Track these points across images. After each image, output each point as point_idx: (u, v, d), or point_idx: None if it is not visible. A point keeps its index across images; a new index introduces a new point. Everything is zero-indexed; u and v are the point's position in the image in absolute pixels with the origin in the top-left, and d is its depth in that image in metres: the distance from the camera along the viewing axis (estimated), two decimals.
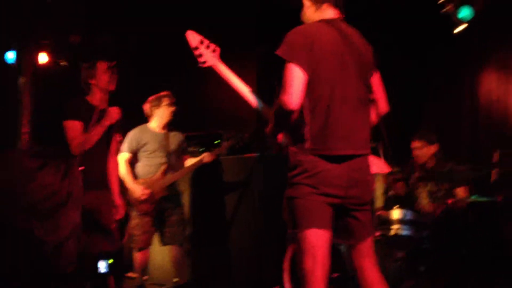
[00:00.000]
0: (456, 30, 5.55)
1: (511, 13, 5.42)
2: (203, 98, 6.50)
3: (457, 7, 5.49)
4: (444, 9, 5.55)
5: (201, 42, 2.93)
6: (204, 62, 2.93)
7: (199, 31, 2.99)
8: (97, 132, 3.93)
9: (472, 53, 5.95)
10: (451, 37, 5.75)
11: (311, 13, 2.80)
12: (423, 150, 5.06)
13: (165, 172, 4.95)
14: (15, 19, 4.45)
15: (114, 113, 4.01)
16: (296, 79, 2.51)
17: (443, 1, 5.53)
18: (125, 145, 4.99)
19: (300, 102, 2.52)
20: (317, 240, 2.53)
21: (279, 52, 2.58)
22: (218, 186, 5.53)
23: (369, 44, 2.82)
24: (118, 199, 4.27)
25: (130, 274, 5.52)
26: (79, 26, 5.86)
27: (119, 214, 4.26)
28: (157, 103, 5.01)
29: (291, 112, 2.51)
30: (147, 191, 4.84)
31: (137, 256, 4.95)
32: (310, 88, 2.55)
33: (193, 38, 2.96)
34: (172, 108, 5.00)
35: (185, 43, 2.99)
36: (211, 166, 5.23)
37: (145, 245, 4.93)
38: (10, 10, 4.34)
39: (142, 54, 6.35)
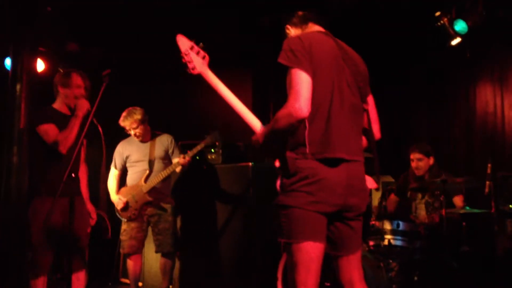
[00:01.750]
0: (453, 43, 5.60)
1: (505, 26, 5.47)
2: (202, 107, 6.50)
3: (452, 20, 5.55)
4: (439, 23, 5.60)
5: (191, 48, 2.82)
6: (193, 69, 2.83)
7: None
8: (74, 124, 3.87)
9: (467, 66, 5.99)
10: (446, 50, 5.81)
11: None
12: (423, 162, 5.10)
13: (146, 179, 5.03)
14: (13, 25, 4.46)
15: (84, 104, 3.93)
16: (304, 85, 2.43)
17: (438, 15, 5.59)
18: (113, 162, 5.22)
19: (310, 108, 2.43)
20: (313, 253, 2.47)
21: (281, 60, 2.51)
22: (211, 194, 5.53)
23: (362, 57, 2.81)
24: (88, 205, 4.23)
25: (125, 280, 5.55)
26: (76, 34, 5.89)
27: (91, 220, 4.23)
28: (120, 121, 5.07)
29: (302, 119, 2.43)
30: (123, 200, 5.00)
31: (128, 262, 5.05)
32: (312, 92, 2.47)
33: (183, 43, 2.84)
34: (130, 126, 5.02)
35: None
36: (205, 173, 5.23)
37: (132, 251, 5.00)
38: (8, 15, 4.34)
39: (139, 64, 6.37)
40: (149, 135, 5.15)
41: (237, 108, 2.76)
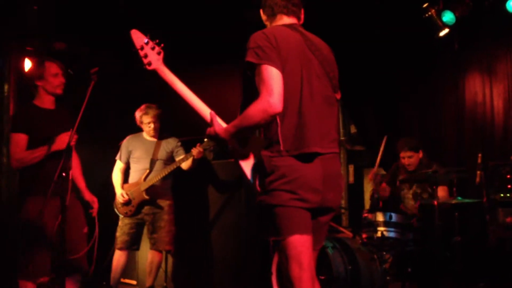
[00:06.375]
0: (441, 34, 5.61)
1: (492, 16, 5.49)
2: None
3: (440, 12, 5.56)
4: (427, 14, 5.61)
5: (146, 43, 2.75)
6: (148, 64, 2.74)
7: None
8: (40, 152, 3.72)
9: (456, 57, 6.00)
10: (434, 42, 5.81)
11: (268, 25, 2.80)
12: (414, 159, 5.13)
13: (145, 177, 5.05)
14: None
15: (61, 141, 3.71)
16: (276, 80, 2.41)
17: (426, 6, 5.60)
18: (119, 154, 5.24)
19: (283, 104, 2.41)
20: (301, 246, 2.47)
21: (250, 58, 2.48)
22: (206, 190, 5.54)
23: (330, 47, 2.78)
24: (88, 195, 4.06)
25: (126, 280, 5.52)
26: (64, 33, 5.82)
27: (94, 210, 4.04)
28: (142, 114, 5.12)
29: (276, 115, 2.42)
30: (126, 197, 5.02)
31: (115, 256, 5.04)
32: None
33: (137, 37, 2.75)
34: (153, 119, 5.08)
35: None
36: (199, 170, 5.22)
37: (125, 246, 5.02)
38: None
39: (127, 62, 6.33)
40: (157, 134, 5.21)
41: (198, 107, 2.70)
